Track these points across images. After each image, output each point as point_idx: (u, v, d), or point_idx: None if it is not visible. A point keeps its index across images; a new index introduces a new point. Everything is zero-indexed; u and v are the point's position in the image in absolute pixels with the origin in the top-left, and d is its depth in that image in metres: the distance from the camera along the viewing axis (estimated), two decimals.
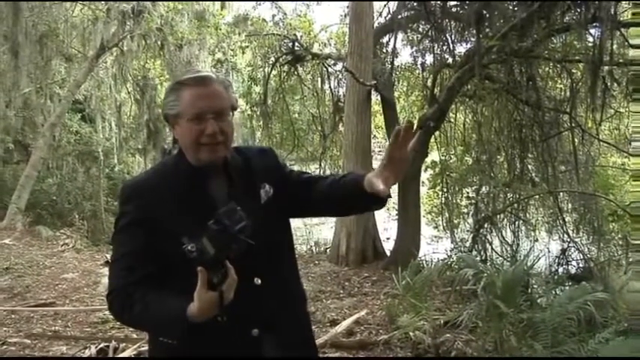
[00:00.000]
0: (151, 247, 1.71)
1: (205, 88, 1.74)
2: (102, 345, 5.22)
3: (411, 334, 5.26)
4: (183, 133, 1.76)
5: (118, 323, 6.24)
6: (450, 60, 11.05)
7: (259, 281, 1.78)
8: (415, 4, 11.37)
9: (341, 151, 12.62)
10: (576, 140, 10.08)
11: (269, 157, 1.99)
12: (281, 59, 14.25)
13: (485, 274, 5.16)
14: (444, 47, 11.33)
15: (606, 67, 8.93)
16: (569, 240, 9.97)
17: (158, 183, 1.81)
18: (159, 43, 16.41)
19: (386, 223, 12.95)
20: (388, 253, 10.38)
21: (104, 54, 15.91)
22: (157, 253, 1.71)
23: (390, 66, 11.99)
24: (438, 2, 10.57)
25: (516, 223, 10.71)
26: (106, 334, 5.94)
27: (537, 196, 10.67)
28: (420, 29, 12.38)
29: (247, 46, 16.50)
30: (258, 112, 15.79)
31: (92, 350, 5.09)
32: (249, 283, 1.73)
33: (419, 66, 13.02)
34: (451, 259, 8.20)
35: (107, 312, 6.67)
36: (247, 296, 1.69)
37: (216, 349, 1.72)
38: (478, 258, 8.48)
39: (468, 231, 11.04)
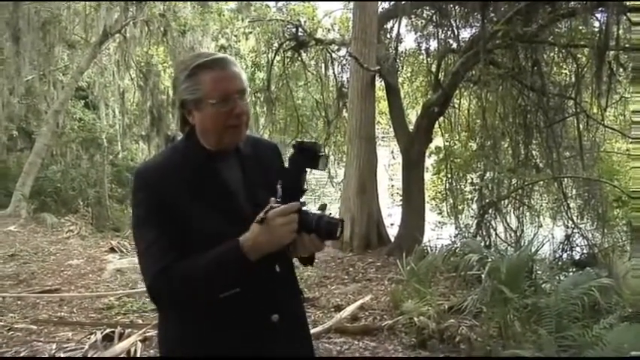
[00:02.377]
0: (176, 230, 1.68)
1: (226, 69, 1.72)
2: (107, 331, 5.23)
3: (415, 319, 5.26)
4: (206, 117, 1.72)
5: (124, 309, 6.29)
6: (455, 45, 11.02)
7: (279, 268, 1.79)
8: None
9: (345, 137, 12.61)
10: (581, 126, 10.06)
11: (276, 155, 1.99)
12: (284, 45, 14.21)
13: (490, 260, 5.16)
14: (449, 32, 11.31)
15: (612, 52, 8.88)
16: (573, 226, 9.99)
17: (170, 168, 1.77)
18: (162, 29, 16.37)
19: (390, 209, 12.94)
20: (392, 239, 10.38)
21: (107, 40, 15.86)
22: (179, 237, 1.68)
23: (394, 51, 11.94)
24: None
25: (521, 208, 10.72)
26: (112, 319, 5.97)
27: (542, 182, 10.66)
28: (425, 14, 12.33)
29: (250, 32, 16.47)
30: (261, 99, 15.76)
31: (98, 336, 5.09)
32: (271, 270, 1.76)
33: (423, 51, 13.01)
34: (455, 245, 8.21)
35: (112, 298, 6.74)
36: (269, 282, 1.75)
37: (235, 333, 1.73)
38: (482, 244, 8.49)
39: (472, 217, 11.05)
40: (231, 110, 1.70)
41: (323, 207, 1.71)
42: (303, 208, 1.64)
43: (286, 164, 1.69)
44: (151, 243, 1.69)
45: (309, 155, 1.67)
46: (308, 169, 1.68)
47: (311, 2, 16.00)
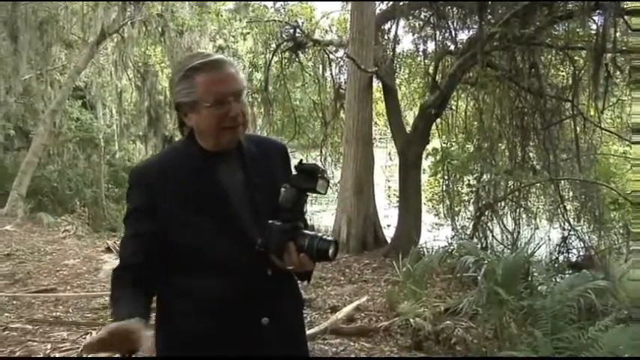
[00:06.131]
0: (155, 234, 1.69)
1: (220, 71, 1.70)
2: None
3: (411, 320, 5.25)
4: (202, 119, 1.71)
5: None
6: (452, 47, 11.01)
7: (270, 272, 1.75)
8: None
9: (342, 138, 12.60)
10: (578, 128, 10.07)
11: (284, 155, 1.96)
12: (282, 46, 14.19)
13: (486, 262, 5.15)
14: (446, 34, 11.29)
15: (609, 55, 8.89)
16: (569, 228, 10.00)
17: (167, 168, 1.77)
18: (160, 29, 16.38)
19: (387, 210, 12.95)
20: (389, 240, 10.38)
21: (105, 40, 15.85)
22: (162, 240, 1.68)
23: (391, 53, 11.93)
24: None
25: (517, 210, 10.72)
26: (107, 319, 5.94)
27: (538, 184, 10.66)
28: (422, 16, 12.32)
29: (248, 33, 16.47)
30: (259, 99, 15.78)
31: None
32: (263, 273, 1.74)
33: (420, 53, 13.01)
34: (452, 247, 8.21)
35: (108, 298, 6.71)
36: (260, 286, 1.73)
37: (225, 335, 1.72)
38: (479, 245, 8.49)
39: (468, 218, 11.06)
40: (226, 113, 1.68)
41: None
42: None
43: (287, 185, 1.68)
44: (126, 239, 1.78)
45: (309, 177, 1.65)
46: (308, 193, 1.67)
47: (309, 3, 16.03)
